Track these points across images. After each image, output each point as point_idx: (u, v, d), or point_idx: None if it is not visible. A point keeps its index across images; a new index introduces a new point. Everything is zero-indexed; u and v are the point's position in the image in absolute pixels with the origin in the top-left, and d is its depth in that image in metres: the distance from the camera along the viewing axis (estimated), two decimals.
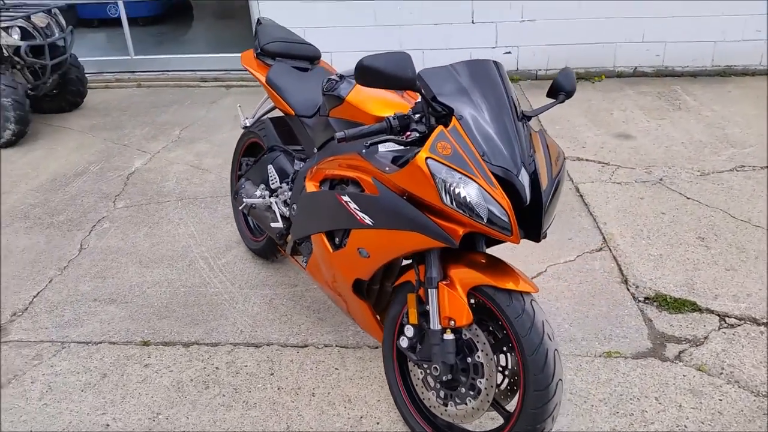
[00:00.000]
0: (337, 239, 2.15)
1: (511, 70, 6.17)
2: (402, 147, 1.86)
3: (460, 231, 1.74)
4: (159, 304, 2.93)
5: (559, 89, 1.98)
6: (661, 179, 3.93)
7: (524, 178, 1.73)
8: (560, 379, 1.78)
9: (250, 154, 3.19)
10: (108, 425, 2.26)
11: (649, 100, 5.37)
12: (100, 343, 2.69)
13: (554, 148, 1.92)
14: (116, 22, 7.15)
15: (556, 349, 1.79)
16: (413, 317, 1.97)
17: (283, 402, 2.34)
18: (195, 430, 2.23)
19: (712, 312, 2.74)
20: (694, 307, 2.77)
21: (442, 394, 1.97)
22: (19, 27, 4.75)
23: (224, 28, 9.19)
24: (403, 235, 1.83)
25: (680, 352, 2.52)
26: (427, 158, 1.68)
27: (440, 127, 1.74)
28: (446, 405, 1.97)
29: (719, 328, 2.64)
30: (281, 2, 5.91)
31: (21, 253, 3.40)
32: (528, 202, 1.73)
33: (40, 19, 4.97)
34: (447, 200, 1.68)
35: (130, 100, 6.04)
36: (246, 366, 2.53)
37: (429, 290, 1.87)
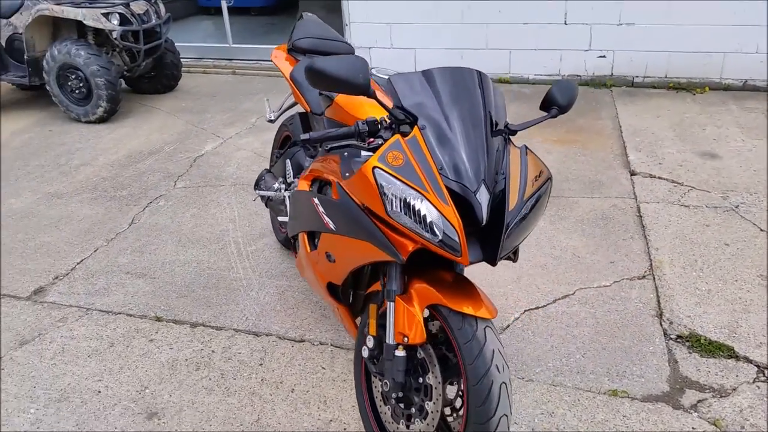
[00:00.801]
0: (316, 240, 2.13)
1: (604, 75, 5.81)
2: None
3: (410, 247, 1.65)
4: (182, 283, 3.05)
5: (552, 103, 1.82)
6: (736, 206, 3.51)
7: (483, 197, 1.60)
8: (505, 415, 1.64)
9: (285, 146, 3.24)
10: (99, 392, 2.39)
11: (751, 118, 4.82)
12: (119, 314, 2.85)
13: (535, 166, 1.76)
14: (232, 11, 7.49)
15: (504, 383, 1.65)
16: (372, 328, 1.90)
17: (261, 394, 2.35)
18: (172, 408, 2.30)
19: (750, 361, 2.42)
20: (731, 353, 2.46)
21: (396, 410, 1.89)
22: (119, 13, 5.12)
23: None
24: (358, 244, 1.77)
25: (698, 402, 2.24)
26: (374, 167, 1.60)
27: (397, 136, 1.65)
28: (397, 422, 1.89)
29: (753, 381, 2.32)
30: (371, 1, 5.96)
31: (79, 222, 3.68)
32: (484, 222, 1.60)
33: (139, 6, 5.33)
34: (393, 214, 1.59)
35: (221, 87, 6.34)
36: (240, 353, 2.57)
37: (388, 303, 1.80)
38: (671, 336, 2.57)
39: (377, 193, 1.60)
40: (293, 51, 2.92)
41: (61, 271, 3.19)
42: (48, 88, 5.24)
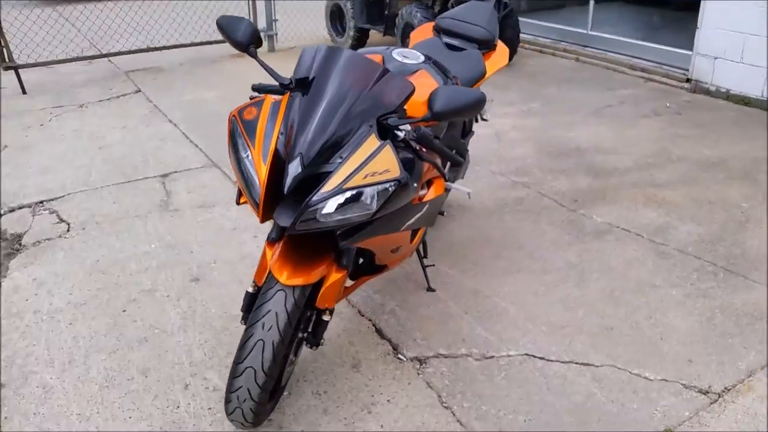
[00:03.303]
0: None
1: None
2: None
3: (243, 199, 1.84)
4: None
5: (429, 106, 1.69)
6: None
7: (292, 168, 1.68)
8: (252, 368, 1.77)
9: None
10: None
11: None
12: None
13: (384, 163, 1.69)
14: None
15: (262, 340, 1.77)
16: None
17: None
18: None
19: None
20: None
21: None
22: None
23: (675, 21, 8.04)
24: None
25: None
26: (232, 116, 1.84)
27: (266, 96, 1.83)
28: None
29: None
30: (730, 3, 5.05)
31: None
32: (285, 190, 1.69)
33: None
34: (232, 160, 1.82)
35: (550, 71, 6.36)
36: None
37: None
38: None
39: (229, 140, 1.84)
40: (435, 29, 3.02)
41: None
42: (398, 42, 6.26)
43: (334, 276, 1.91)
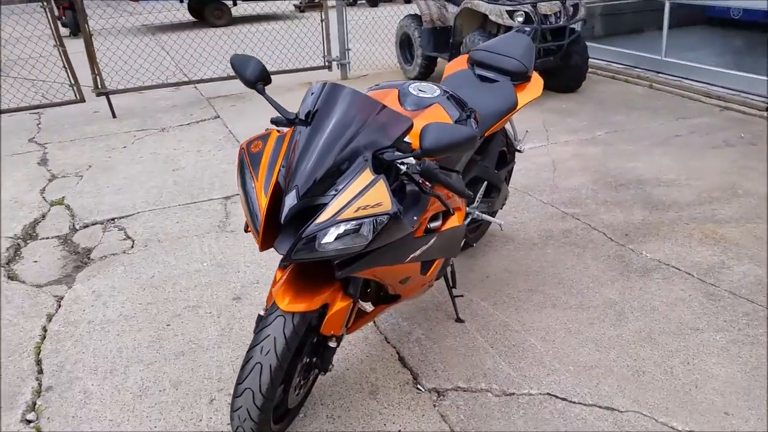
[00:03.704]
0: None
1: None
2: None
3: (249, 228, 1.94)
4: None
5: (420, 142, 1.73)
6: None
7: (289, 199, 1.76)
8: (250, 389, 1.85)
9: None
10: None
11: None
12: None
13: (376, 197, 1.74)
14: (740, 24, 6.94)
15: (259, 363, 1.85)
16: None
17: None
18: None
19: None
20: None
21: None
22: (525, 12, 5.66)
23: (759, 45, 7.51)
24: None
25: None
26: (241, 148, 1.95)
27: (272, 130, 1.94)
28: None
29: None
30: None
31: None
32: (282, 221, 1.76)
33: (549, 8, 5.73)
34: (240, 191, 1.92)
35: (620, 98, 6.18)
36: None
37: None
38: None
39: (238, 170, 1.95)
40: (469, 60, 3.04)
41: None
42: None
43: (339, 304, 1.96)
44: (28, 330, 2.86)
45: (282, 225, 1.76)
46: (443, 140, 1.70)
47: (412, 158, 1.84)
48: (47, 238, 3.77)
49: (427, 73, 7.11)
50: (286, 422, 2.19)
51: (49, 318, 2.95)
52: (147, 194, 4.36)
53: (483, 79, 2.92)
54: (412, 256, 2.01)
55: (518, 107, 2.82)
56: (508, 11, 5.66)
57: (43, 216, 4.07)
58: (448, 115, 2.28)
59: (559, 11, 5.77)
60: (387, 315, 2.89)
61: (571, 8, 5.85)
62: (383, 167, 1.84)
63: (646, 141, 4.97)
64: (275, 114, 2.30)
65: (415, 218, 1.90)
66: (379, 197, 1.74)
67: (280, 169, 1.84)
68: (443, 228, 2.16)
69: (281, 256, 1.78)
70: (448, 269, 2.78)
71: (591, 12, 7.79)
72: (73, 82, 6.19)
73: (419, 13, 6.91)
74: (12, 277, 3.32)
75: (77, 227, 3.89)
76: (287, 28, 9.25)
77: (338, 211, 1.72)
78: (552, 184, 4.27)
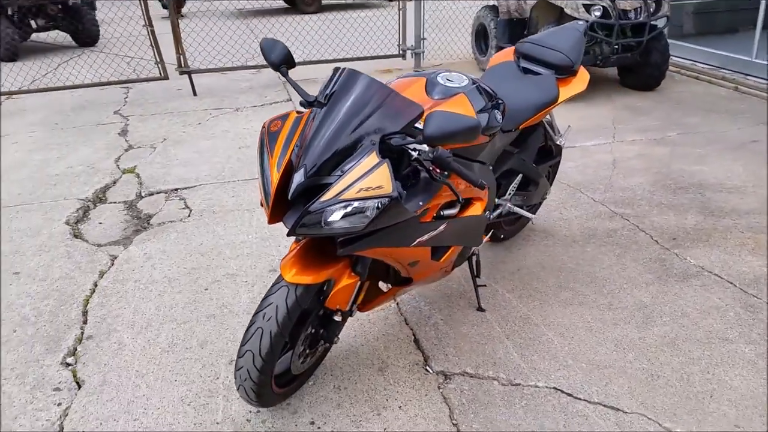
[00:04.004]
0: None
1: None
2: None
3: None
4: None
5: (423, 130, 1.76)
6: None
7: (297, 177, 1.85)
8: (250, 351, 1.96)
9: None
10: None
11: None
12: None
13: (379, 180, 1.79)
14: None
15: (261, 328, 1.95)
16: None
17: None
18: None
19: None
20: None
21: None
22: (603, 6, 5.48)
23: None
24: None
25: None
26: (263, 126, 2.06)
27: (292, 111, 2.03)
28: None
29: None
30: None
31: None
32: (289, 197, 1.86)
33: (630, 3, 5.51)
34: (258, 166, 2.03)
35: (700, 99, 5.87)
36: None
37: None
38: None
39: (258, 147, 2.06)
40: (516, 52, 3.01)
41: None
42: None
43: (346, 281, 2.04)
44: (81, 284, 3.14)
45: (291, 201, 1.86)
46: (445, 128, 1.72)
47: (425, 145, 1.87)
48: (114, 202, 4.09)
49: None
50: (292, 388, 2.30)
51: (102, 275, 3.22)
52: (211, 168, 4.61)
53: (526, 71, 2.89)
54: (419, 240, 2.05)
55: (559, 101, 2.78)
56: (584, 5, 5.50)
57: (114, 182, 4.40)
58: (472, 105, 2.29)
59: (640, 7, 5.54)
60: (410, 298, 2.95)
61: (653, 4, 5.60)
62: (392, 152, 1.89)
63: (719, 144, 4.71)
64: None
65: (420, 203, 1.94)
66: (381, 180, 1.80)
67: (294, 148, 1.93)
68: (459, 216, 2.19)
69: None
70: (473, 258, 2.80)
71: (681, 9, 7.41)
72: (158, 60, 6.59)
73: (497, 4, 6.83)
74: (77, 236, 3.64)
75: (143, 195, 4.19)
76: (372, 16, 9.37)
77: (341, 191, 1.79)
78: (608, 182, 4.15)
